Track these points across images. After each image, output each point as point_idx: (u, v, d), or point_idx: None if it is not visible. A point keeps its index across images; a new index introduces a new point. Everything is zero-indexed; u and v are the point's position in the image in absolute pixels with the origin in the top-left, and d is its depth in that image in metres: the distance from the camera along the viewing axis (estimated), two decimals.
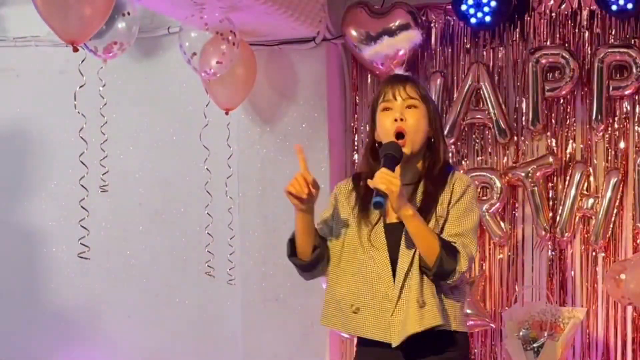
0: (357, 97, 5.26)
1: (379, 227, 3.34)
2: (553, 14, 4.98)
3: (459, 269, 3.25)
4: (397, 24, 4.99)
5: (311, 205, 3.30)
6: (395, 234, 3.32)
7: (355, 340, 3.51)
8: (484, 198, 5.01)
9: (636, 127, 4.89)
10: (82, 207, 4.49)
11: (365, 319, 3.32)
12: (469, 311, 4.90)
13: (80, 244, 4.50)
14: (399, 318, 3.27)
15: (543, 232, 4.94)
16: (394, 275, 3.29)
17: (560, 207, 4.92)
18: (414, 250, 3.27)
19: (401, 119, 3.32)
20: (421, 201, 3.33)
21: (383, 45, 3.41)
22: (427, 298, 3.26)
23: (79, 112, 4.37)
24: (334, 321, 3.41)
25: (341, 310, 3.36)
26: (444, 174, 3.38)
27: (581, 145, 4.96)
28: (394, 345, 3.27)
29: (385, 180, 3.15)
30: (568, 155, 4.97)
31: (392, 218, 3.33)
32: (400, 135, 3.32)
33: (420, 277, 3.27)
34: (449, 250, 3.25)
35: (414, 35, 3.39)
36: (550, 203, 4.97)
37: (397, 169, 3.24)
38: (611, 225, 4.86)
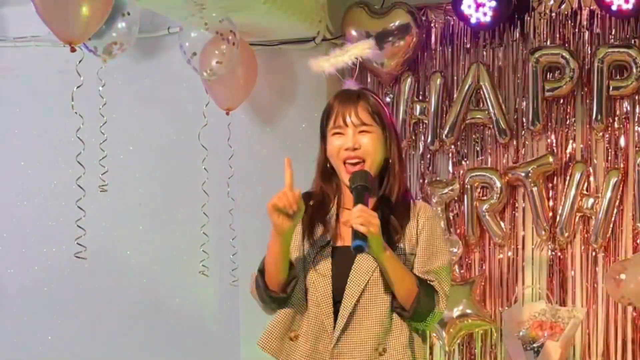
0: None
1: (327, 251, 3.06)
2: (553, 14, 4.98)
3: (438, 311, 3.04)
4: (397, 24, 5.00)
5: (293, 226, 2.99)
6: (345, 259, 3.04)
7: None
8: (484, 198, 5.01)
9: (636, 127, 4.88)
10: (79, 207, 4.50)
11: (299, 347, 3.06)
12: (468, 311, 4.91)
13: (77, 243, 4.52)
14: (342, 351, 3.01)
15: (543, 232, 4.94)
16: (337, 304, 3.02)
17: (560, 207, 4.91)
18: (368, 279, 3.01)
19: (354, 148, 3.04)
20: (383, 232, 2.98)
21: (337, 57, 3.21)
22: (392, 343, 3.02)
23: (76, 112, 4.38)
24: (270, 344, 3.10)
25: (281, 335, 3.10)
26: (406, 203, 3.11)
27: (581, 145, 4.95)
28: None
29: (364, 219, 2.86)
30: (568, 155, 4.96)
31: (343, 241, 3.07)
32: (354, 164, 3.07)
33: (385, 316, 3.02)
34: (426, 290, 3.03)
35: (368, 46, 3.21)
36: (550, 203, 4.96)
37: (370, 201, 3.01)
38: (611, 225, 4.86)
